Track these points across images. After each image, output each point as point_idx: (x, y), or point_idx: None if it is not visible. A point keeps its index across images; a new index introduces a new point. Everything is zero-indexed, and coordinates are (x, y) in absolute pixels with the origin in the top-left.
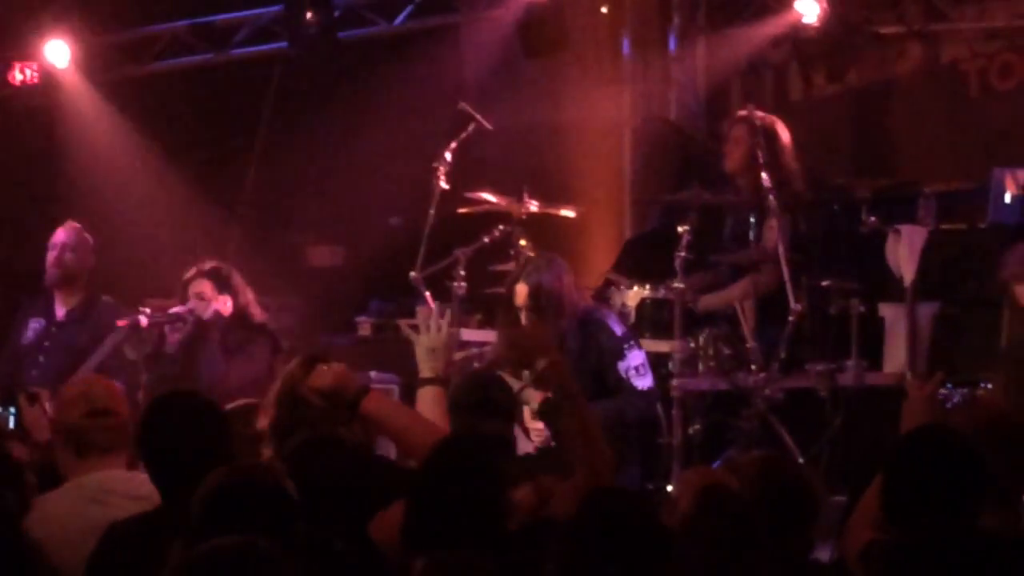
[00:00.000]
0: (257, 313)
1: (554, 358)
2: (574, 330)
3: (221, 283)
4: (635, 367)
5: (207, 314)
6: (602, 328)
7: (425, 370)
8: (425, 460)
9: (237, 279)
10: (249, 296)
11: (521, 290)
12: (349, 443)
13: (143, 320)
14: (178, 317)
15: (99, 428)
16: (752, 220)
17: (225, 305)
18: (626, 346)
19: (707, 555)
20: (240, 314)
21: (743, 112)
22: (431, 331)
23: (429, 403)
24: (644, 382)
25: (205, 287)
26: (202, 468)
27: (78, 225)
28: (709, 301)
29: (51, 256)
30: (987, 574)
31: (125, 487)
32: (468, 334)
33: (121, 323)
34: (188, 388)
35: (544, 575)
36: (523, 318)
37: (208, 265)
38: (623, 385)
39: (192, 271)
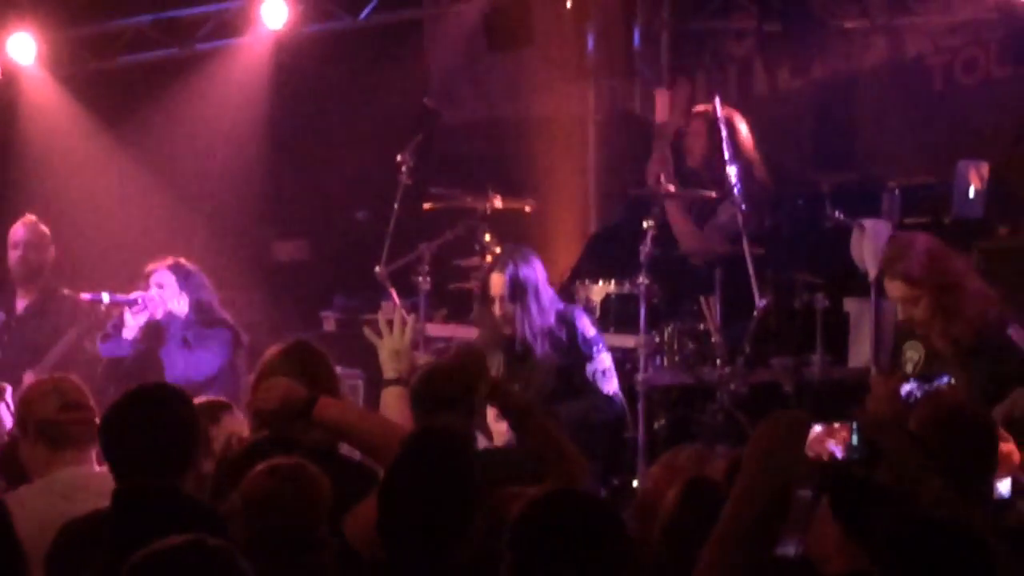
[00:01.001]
0: (219, 309)
1: (491, 381)
2: (557, 324)
3: (183, 277)
4: (602, 370)
5: (160, 313)
6: (573, 328)
7: (389, 371)
8: (396, 456)
9: (200, 275)
10: (211, 292)
11: (497, 280)
12: (305, 444)
13: (106, 298)
14: (137, 301)
15: (74, 422)
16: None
17: (180, 304)
18: (595, 348)
19: (694, 548)
20: (201, 309)
21: (700, 107)
22: (394, 333)
23: (393, 403)
24: (610, 386)
25: (166, 278)
26: (170, 464)
27: (34, 218)
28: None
29: (14, 255)
30: (937, 564)
31: (96, 484)
32: (433, 329)
33: (84, 296)
34: (152, 382)
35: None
36: (498, 308)
37: (172, 259)
38: (589, 387)
39: (156, 263)
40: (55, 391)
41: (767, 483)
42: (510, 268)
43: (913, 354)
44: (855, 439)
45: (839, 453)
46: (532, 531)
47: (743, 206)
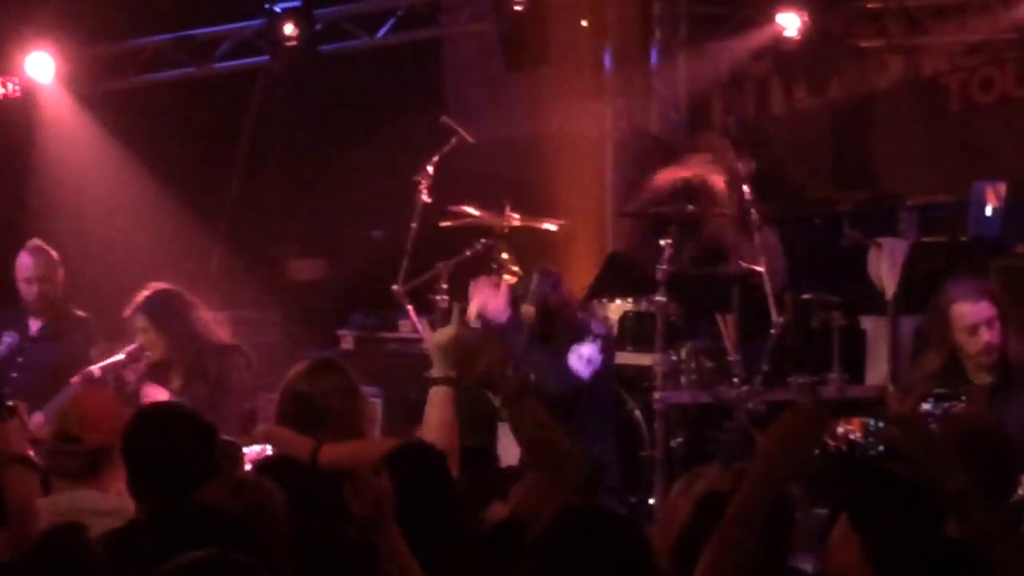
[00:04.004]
0: (219, 332)
1: (493, 358)
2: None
3: (158, 315)
4: (582, 355)
5: (155, 356)
6: (586, 328)
7: (435, 369)
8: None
9: (181, 303)
10: (203, 316)
11: (528, 311)
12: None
13: (96, 372)
14: (131, 357)
15: (64, 454)
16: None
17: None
18: (591, 338)
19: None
20: (192, 341)
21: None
22: (444, 327)
23: (437, 405)
24: (584, 369)
25: (141, 321)
26: (186, 481)
27: (40, 244)
28: None
29: (27, 290)
30: None
31: (95, 504)
32: None
33: (74, 380)
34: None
35: None
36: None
37: (143, 296)
38: (560, 358)
39: (130, 306)
40: (61, 416)
41: (780, 471)
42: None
43: None
44: (872, 423)
45: (857, 441)
46: (555, 547)
47: (759, 227)
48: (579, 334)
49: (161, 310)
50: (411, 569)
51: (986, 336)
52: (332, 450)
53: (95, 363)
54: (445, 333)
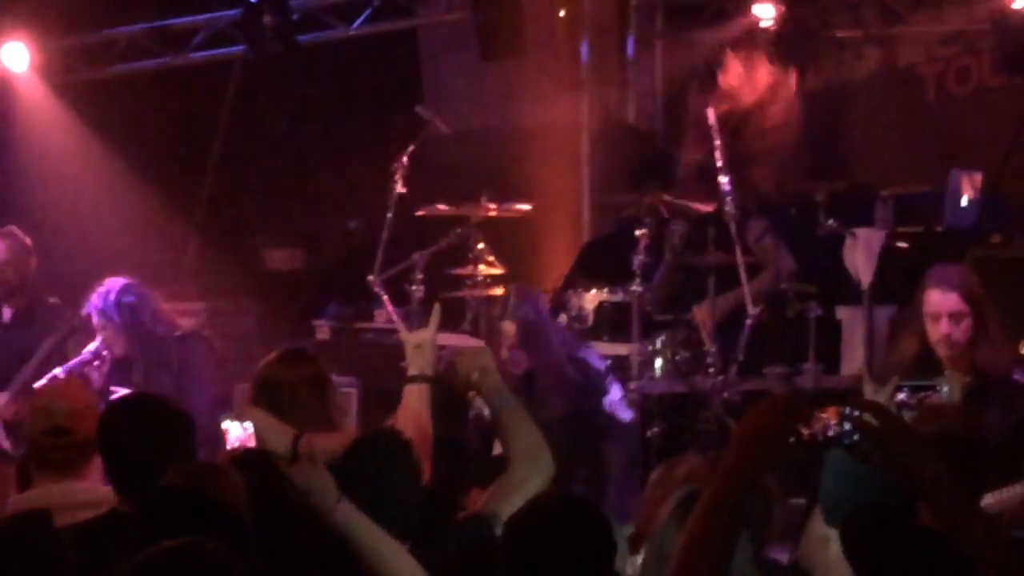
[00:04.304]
0: (179, 321)
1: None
2: (571, 366)
3: (111, 312)
4: (618, 399)
5: (117, 351)
6: (587, 366)
7: (411, 367)
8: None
9: (135, 296)
10: (161, 306)
11: (508, 328)
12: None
13: (59, 374)
14: (95, 356)
15: (54, 447)
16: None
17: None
18: (608, 380)
19: None
20: (152, 337)
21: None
22: (421, 329)
23: (414, 401)
24: (626, 414)
25: (97, 319)
26: (162, 469)
27: (11, 230)
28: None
29: None
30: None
31: (87, 495)
32: None
33: (37, 386)
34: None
35: None
36: (505, 354)
37: (98, 292)
38: (612, 422)
39: (87, 304)
40: (45, 410)
41: (754, 459)
42: (517, 314)
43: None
44: (847, 411)
45: (832, 429)
46: (527, 533)
47: (735, 218)
48: (590, 374)
49: (119, 309)
50: (383, 545)
51: (945, 328)
52: (312, 440)
53: (69, 354)
54: (419, 332)
